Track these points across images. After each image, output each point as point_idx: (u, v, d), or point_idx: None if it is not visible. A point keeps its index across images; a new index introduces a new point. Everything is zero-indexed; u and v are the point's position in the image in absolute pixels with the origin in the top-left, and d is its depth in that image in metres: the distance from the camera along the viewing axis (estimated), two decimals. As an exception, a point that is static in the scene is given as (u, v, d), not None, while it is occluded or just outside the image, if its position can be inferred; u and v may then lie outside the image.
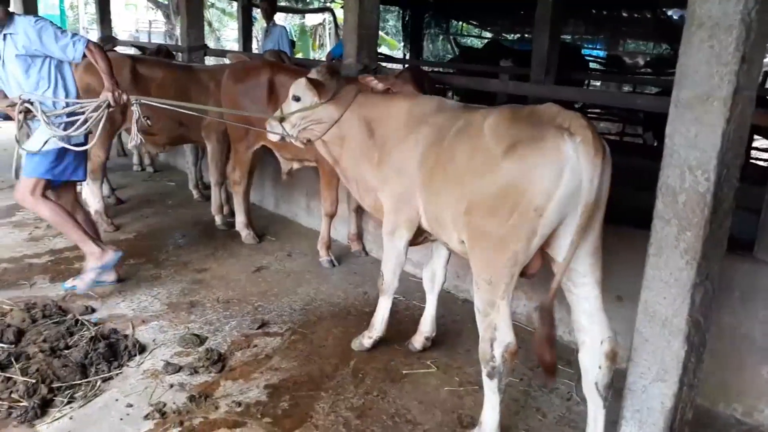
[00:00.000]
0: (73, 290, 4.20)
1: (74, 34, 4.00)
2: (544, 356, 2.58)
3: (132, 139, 3.83)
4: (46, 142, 3.82)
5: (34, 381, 3.02)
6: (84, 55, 3.88)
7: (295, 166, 5.19)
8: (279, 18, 11.43)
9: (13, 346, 3.35)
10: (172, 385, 3.24)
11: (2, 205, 6.13)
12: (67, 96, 4.02)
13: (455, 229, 2.83)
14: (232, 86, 5.16)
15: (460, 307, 4.31)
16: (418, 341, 3.73)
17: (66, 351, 3.35)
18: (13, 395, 2.96)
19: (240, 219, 5.53)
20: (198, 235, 5.67)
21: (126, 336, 3.65)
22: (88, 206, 5.65)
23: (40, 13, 10.91)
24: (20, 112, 3.80)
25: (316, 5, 17.32)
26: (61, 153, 3.99)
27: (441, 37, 15.70)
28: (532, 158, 2.42)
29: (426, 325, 3.71)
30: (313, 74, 3.46)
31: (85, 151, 4.13)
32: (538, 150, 2.42)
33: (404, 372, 3.48)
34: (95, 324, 3.74)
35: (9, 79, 3.98)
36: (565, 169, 2.39)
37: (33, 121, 3.90)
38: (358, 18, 5.08)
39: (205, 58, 8.23)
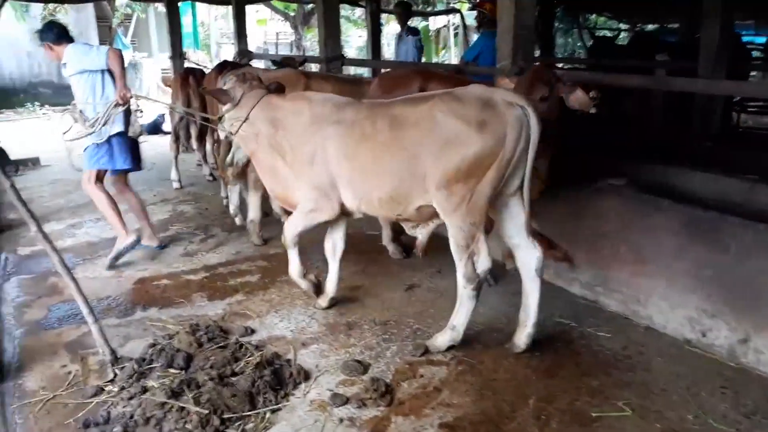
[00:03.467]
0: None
1: (99, 47, 5.05)
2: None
3: (131, 124, 4.95)
4: (81, 138, 4.87)
5: (206, 412, 2.94)
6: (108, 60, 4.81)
7: None
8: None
9: (183, 372, 3.32)
10: (341, 420, 3.05)
11: (156, 219, 6.28)
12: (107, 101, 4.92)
13: (418, 198, 3.53)
14: (378, 96, 4.97)
15: (643, 336, 3.82)
16: (324, 300, 4.29)
17: (233, 378, 3.26)
18: (187, 425, 2.88)
19: (386, 233, 5.34)
20: (345, 249, 5.51)
21: (289, 361, 3.52)
22: (248, 215, 5.69)
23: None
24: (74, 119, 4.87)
25: (439, 7, 17.02)
26: (96, 148, 4.93)
27: (573, 32, 14.85)
28: (502, 129, 3.27)
29: (331, 286, 4.32)
30: (226, 83, 4.17)
31: (121, 145, 4.99)
32: (504, 123, 3.27)
33: (594, 415, 3.07)
34: (257, 347, 3.65)
35: (74, 94, 4.99)
36: (522, 129, 3.28)
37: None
38: (515, 18, 4.71)
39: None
